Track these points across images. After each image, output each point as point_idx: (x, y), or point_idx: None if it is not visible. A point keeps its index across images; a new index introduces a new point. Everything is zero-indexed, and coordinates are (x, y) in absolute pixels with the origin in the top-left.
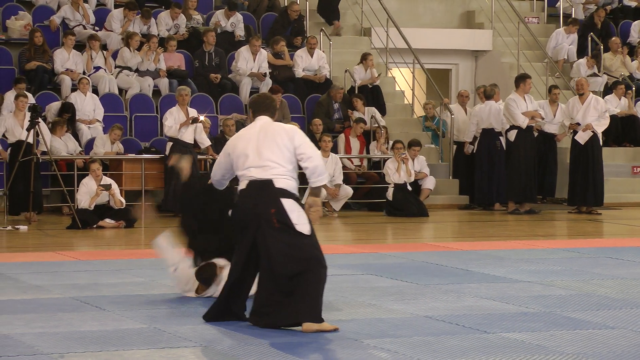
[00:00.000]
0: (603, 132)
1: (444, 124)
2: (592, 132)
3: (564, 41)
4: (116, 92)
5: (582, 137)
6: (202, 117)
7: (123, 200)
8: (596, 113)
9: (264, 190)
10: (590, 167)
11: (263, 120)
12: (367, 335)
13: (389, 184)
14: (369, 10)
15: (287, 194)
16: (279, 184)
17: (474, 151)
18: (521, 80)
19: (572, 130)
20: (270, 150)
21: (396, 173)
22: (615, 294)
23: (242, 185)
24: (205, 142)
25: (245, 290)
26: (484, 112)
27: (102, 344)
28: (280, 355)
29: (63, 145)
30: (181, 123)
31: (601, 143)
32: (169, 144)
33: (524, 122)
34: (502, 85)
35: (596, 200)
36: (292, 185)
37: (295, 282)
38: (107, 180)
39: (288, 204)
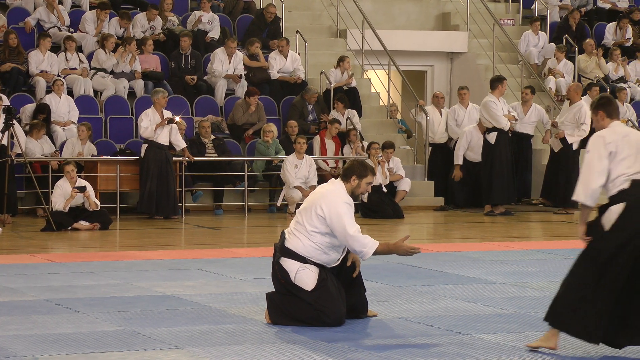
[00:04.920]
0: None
1: (413, 124)
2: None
3: (533, 42)
4: (91, 94)
5: (555, 144)
6: (177, 118)
7: (98, 202)
8: (574, 121)
9: None
10: (565, 168)
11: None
12: (342, 337)
13: None
14: (344, 12)
15: None
16: None
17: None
18: (498, 82)
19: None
20: None
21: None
22: None
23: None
24: (180, 143)
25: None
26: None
27: (77, 346)
28: (256, 356)
29: (38, 147)
30: (157, 124)
31: (576, 146)
32: (144, 146)
33: (506, 124)
34: (477, 87)
35: (565, 201)
36: None
37: None
38: (81, 182)
39: None
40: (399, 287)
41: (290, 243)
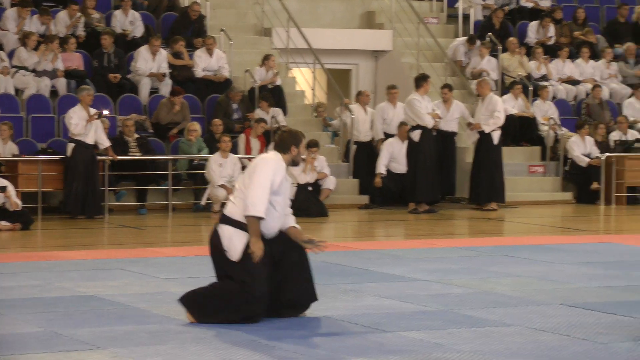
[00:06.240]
0: (501, 132)
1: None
2: (481, 130)
3: (463, 51)
4: (13, 92)
5: (471, 137)
6: (106, 112)
7: (19, 202)
8: (487, 112)
9: None
10: (487, 165)
11: None
12: (265, 335)
13: (292, 183)
14: (269, 10)
15: None
16: None
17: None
18: (422, 80)
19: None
20: None
21: (302, 173)
22: (512, 291)
23: None
24: (105, 142)
25: None
26: None
27: None
28: (180, 356)
29: None
30: (87, 119)
31: (496, 142)
32: (71, 145)
33: (430, 121)
34: (402, 86)
35: (497, 197)
36: None
37: None
38: (2, 181)
39: None
40: (323, 285)
41: (228, 210)
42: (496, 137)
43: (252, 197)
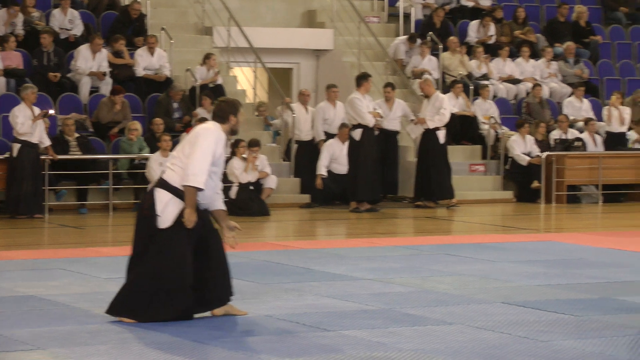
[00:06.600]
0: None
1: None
2: (426, 126)
3: (403, 49)
4: None
5: (414, 131)
6: (52, 111)
7: None
8: (433, 110)
9: None
10: (436, 164)
11: None
12: (207, 335)
13: (232, 183)
14: (210, 9)
15: None
16: None
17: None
18: (363, 79)
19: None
20: None
21: (243, 172)
22: (453, 290)
23: None
24: (45, 141)
25: None
26: None
27: None
28: (120, 356)
29: None
30: (33, 118)
31: (442, 141)
32: (17, 146)
33: (371, 120)
34: (344, 85)
35: (443, 194)
36: None
37: None
38: None
39: None
40: (265, 284)
41: (167, 175)
42: (442, 136)
43: (193, 168)
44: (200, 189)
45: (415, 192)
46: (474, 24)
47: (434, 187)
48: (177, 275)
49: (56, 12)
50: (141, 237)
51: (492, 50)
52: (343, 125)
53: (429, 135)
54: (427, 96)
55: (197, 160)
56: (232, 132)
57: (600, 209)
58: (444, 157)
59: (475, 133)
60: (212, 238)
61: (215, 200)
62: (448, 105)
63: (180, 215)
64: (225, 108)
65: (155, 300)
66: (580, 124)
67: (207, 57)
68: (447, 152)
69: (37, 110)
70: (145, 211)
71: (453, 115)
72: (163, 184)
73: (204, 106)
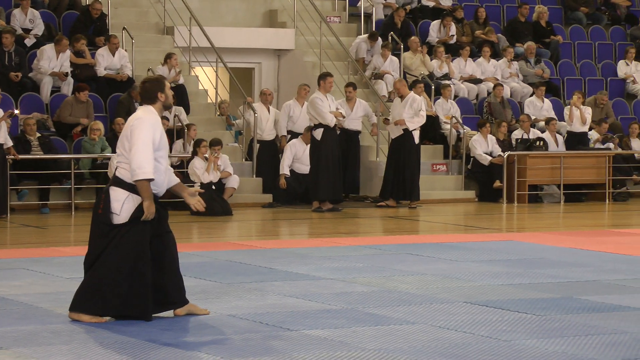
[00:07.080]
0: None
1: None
2: (405, 127)
3: (365, 48)
4: None
5: (394, 131)
6: (17, 111)
7: None
8: (412, 111)
9: None
10: (410, 165)
11: None
12: (168, 335)
13: (194, 182)
14: (171, 9)
15: None
16: None
17: None
18: (322, 78)
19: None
20: None
21: (205, 172)
22: (416, 289)
23: None
24: (7, 142)
25: None
26: None
27: None
28: (83, 356)
29: None
30: None
31: (417, 141)
32: None
33: (332, 120)
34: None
35: (410, 195)
36: None
37: None
38: None
39: None
40: (227, 284)
41: (120, 172)
42: (416, 136)
43: (137, 161)
44: (151, 180)
45: (382, 192)
46: (435, 24)
47: (407, 186)
48: (136, 268)
49: (17, 12)
50: (97, 234)
51: (453, 50)
52: (309, 128)
53: (405, 135)
54: (401, 96)
55: (139, 153)
56: (165, 108)
57: (562, 208)
58: (417, 158)
59: (437, 133)
60: (168, 239)
61: (171, 179)
62: (425, 106)
63: (137, 210)
64: (150, 88)
65: (115, 295)
66: (542, 123)
67: (168, 57)
68: (420, 153)
69: (1, 113)
70: (100, 210)
71: None
72: (118, 182)
73: None
